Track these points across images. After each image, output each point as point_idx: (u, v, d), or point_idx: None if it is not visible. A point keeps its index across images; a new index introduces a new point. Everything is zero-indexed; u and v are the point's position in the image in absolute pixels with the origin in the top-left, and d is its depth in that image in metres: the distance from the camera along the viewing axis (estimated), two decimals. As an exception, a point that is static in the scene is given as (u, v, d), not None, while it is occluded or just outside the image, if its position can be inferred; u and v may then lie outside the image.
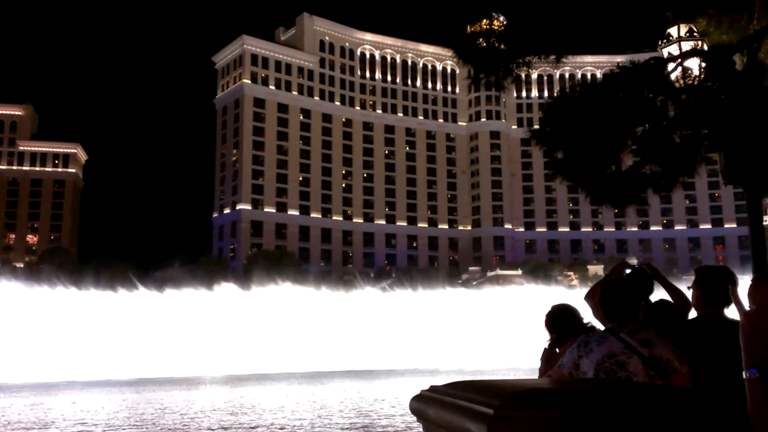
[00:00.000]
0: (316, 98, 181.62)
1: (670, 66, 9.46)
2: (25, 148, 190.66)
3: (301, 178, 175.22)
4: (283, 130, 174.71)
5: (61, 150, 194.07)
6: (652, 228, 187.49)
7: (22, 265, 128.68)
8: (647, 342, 4.29)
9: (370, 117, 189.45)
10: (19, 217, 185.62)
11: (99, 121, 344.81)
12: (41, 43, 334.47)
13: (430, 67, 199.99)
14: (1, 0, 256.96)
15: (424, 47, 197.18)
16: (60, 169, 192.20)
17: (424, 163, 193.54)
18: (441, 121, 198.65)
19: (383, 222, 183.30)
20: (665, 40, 10.00)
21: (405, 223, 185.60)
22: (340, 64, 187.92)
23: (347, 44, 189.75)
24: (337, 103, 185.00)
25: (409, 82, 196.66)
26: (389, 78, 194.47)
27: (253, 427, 22.55)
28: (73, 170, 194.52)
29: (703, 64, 9.21)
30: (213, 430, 22.06)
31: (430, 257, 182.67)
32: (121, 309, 57.81)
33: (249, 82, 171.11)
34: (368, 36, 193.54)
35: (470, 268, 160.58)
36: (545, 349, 6.13)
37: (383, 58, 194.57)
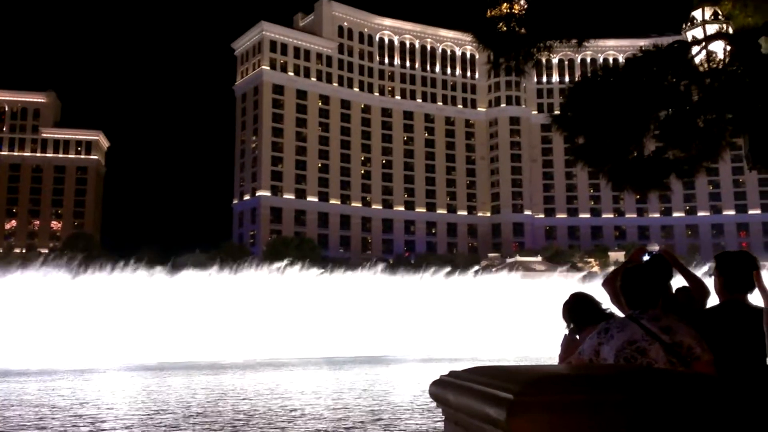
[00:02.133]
0: (335, 84, 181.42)
1: (694, 49, 9.31)
2: (49, 135, 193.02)
3: (320, 165, 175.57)
4: (302, 116, 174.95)
5: (84, 137, 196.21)
6: (675, 214, 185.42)
7: (46, 251, 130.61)
8: (668, 328, 4.26)
9: (388, 103, 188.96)
10: (43, 203, 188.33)
11: (121, 108, 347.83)
12: (64, 31, 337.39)
13: (449, 52, 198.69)
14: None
15: (444, 32, 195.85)
16: (83, 156, 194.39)
17: (443, 149, 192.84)
18: (460, 106, 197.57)
19: (402, 208, 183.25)
20: (689, 24, 9.83)
21: (424, 210, 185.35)
22: (359, 50, 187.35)
23: (366, 30, 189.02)
24: (356, 90, 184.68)
25: (428, 67, 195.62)
26: (408, 64, 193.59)
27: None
28: (95, 157, 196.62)
29: (728, 48, 9.05)
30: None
31: (449, 244, 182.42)
32: (141, 292, 58.54)
33: (268, 68, 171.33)
34: (387, 21, 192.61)
35: (489, 255, 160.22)
36: (565, 335, 6.12)
37: (402, 44, 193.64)
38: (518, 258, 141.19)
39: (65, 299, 54.37)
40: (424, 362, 45.93)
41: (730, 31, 9.42)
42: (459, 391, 3.27)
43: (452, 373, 3.54)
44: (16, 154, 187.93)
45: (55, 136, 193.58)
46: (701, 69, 9.12)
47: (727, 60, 8.95)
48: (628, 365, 4.08)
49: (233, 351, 50.64)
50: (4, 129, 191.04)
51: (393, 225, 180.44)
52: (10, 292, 54.18)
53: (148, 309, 55.03)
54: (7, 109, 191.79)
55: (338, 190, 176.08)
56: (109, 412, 22.77)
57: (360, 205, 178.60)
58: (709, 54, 9.15)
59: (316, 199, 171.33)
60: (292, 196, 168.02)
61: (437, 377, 3.61)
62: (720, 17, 9.64)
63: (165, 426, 19.74)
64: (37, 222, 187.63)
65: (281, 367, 43.61)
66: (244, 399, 26.57)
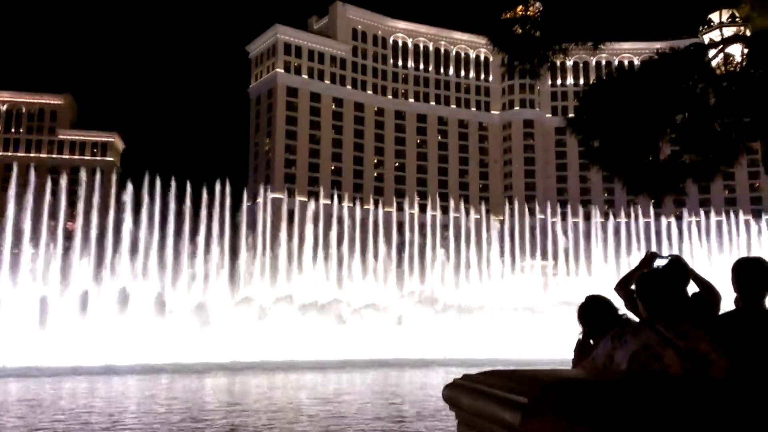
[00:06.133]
0: (349, 87, 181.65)
1: (711, 52, 9.23)
2: (65, 137, 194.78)
3: (333, 168, 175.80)
4: (316, 119, 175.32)
5: (100, 139, 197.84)
6: (688, 219, 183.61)
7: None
8: (684, 334, 4.21)
9: (402, 106, 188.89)
10: (59, 204, 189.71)
11: (136, 110, 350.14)
12: (80, 34, 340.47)
13: (463, 55, 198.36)
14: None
15: (458, 35, 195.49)
16: (98, 158, 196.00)
17: (456, 152, 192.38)
18: (474, 109, 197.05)
19: (415, 211, 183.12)
20: (706, 26, 9.75)
21: (438, 213, 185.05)
22: (373, 53, 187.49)
23: (380, 32, 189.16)
24: (370, 92, 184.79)
25: (442, 70, 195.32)
26: (422, 66, 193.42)
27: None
28: (111, 159, 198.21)
29: (746, 51, 8.96)
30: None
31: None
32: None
33: (282, 71, 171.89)
34: (401, 24, 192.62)
35: (502, 258, 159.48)
36: (578, 340, 6.07)
37: (416, 47, 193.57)
38: (531, 261, 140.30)
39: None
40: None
41: (748, 33, 9.33)
42: (473, 395, 3.26)
43: (466, 377, 3.53)
44: (32, 155, 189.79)
45: (72, 137, 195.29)
46: (718, 72, 9.03)
47: (744, 63, 8.87)
48: (642, 371, 4.05)
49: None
50: (21, 130, 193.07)
51: (405, 227, 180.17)
52: None
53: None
54: (24, 110, 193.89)
55: (351, 192, 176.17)
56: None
57: (373, 207, 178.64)
58: (727, 57, 9.07)
59: (329, 202, 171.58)
60: (305, 199, 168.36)
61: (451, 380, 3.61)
62: (737, 20, 9.55)
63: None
64: (53, 223, 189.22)
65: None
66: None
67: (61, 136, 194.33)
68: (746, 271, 5.03)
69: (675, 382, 3.26)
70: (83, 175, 78.69)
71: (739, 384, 3.92)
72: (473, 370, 4.02)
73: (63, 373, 39.36)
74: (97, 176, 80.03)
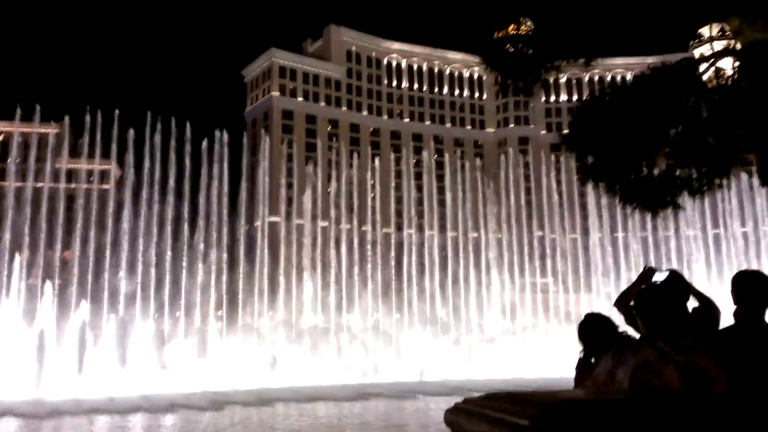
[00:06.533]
0: (344, 108, 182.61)
1: (703, 66, 9.29)
2: (62, 165, 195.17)
3: (330, 190, 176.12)
4: (312, 141, 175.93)
5: (96, 167, 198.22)
6: (688, 233, 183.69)
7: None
8: (683, 350, 4.18)
9: (398, 126, 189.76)
10: (57, 232, 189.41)
11: (133, 137, 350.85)
12: (76, 62, 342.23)
13: (457, 74, 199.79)
14: (39, 22, 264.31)
15: (451, 54, 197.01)
16: (95, 186, 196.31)
17: (452, 170, 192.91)
18: (469, 128, 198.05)
19: (413, 231, 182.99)
20: (697, 40, 9.83)
21: (434, 232, 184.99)
22: (368, 74, 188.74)
23: (374, 54, 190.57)
24: (365, 113, 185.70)
25: (437, 89, 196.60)
26: (416, 86, 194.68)
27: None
28: (107, 186, 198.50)
29: (737, 64, 9.02)
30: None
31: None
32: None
33: (278, 94, 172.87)
34: (395, 45, 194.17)
35: (500, 277, 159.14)
36: (579, 359, 6.02)
37: (410, 67, 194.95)
38: (529, 279, 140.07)
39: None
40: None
41: (738, 47, 9.39)
42: (474, 418, 3.22)
43: (467, 400, 3.49)
44: (29, 185, 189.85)
45: (69, 165, 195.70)
46: (710, 85, 9.08)
47: (736, 76, 8.91)
48: (642, 388, 4.01)
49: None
50: (18, 159, 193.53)
51: (403, 248, 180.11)
52: None
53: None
54: (21, 140, 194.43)
55: (349, 214, 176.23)
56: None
57: (370, 228, 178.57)
58: (718, 70, 9.12)
59: (326, 224, 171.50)
60: (302, 221, 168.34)
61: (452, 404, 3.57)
62: (727, 33, 9.62)
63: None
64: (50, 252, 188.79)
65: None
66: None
67: (58, 165, 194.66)
68: (746, 284, 5.01)
69: (675, 399, 3.22)
70: (80, 202, 78.52)
71: (739, 399, 3.88)
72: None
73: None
74: (94, 204, 79.89)
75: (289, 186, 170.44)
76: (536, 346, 59.65)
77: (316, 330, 63.73)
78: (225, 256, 75.32)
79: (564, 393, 3.38)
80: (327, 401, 40.17)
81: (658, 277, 5.92)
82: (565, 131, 10.09)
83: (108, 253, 69.20)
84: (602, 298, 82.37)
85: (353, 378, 51.81)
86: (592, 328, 5.93)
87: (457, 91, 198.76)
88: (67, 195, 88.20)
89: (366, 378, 52.49)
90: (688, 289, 5.89)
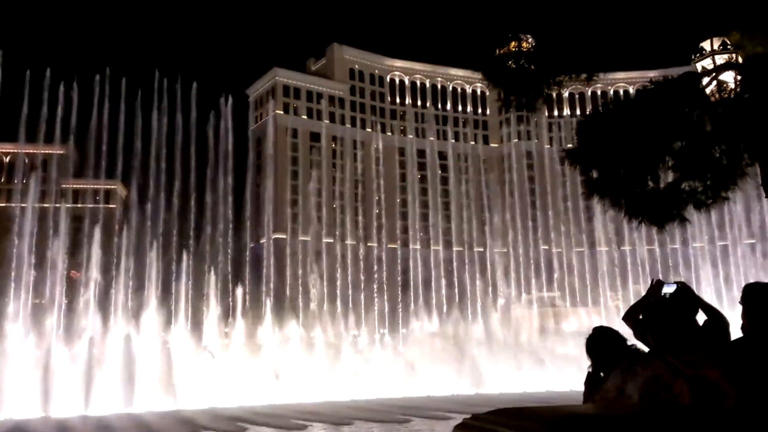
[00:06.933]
0: (348, 125, 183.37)
1: (705, 80, 9.32)
2: (68, 186, 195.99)
3: (335, 206, 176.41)
4: (316, 158, 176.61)
5: (102, 186, 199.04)
6: (695, 244, 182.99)
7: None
8: (693, 363, 4.16)
9: (401, 142, 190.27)
10: (62, 252, 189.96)
11: (138, 156, 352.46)
12: (81, 83, 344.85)
13: (459, 90, 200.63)
14: (43, 43, 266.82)
15: (454, 71, 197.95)
16: (101, 206, 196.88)
17: (457, 185, 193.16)
18: (473, 143, 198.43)
19: (418, 246, 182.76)
20: (699, 54, 9.87)
21: (440, 247, 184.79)
22: (371, 91, 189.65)
23: (377, 71, 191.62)
24: (369, 130, 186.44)
25: (440, 105, 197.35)
26: (419, 103, 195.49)
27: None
28: (113, 206, 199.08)
29: (739, 77, 9.05)
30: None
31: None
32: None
33: (281, 112, 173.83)
34: (397, 62, 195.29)
35: (503, 290, 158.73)
36: (588, 373, 5.98)
37: (413, 84, 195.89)
38: (535, 293, 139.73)
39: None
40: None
41: (740, 60, 9.42)
42: (482, 435, 3.21)
43: (475, 416, 3.48)
44: (36, 205, 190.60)
45: (74, 186, 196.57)
46: (713, 99, 9.10)
47: (738, 89, 8.93)
48: (652, 403, 3.99)
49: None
50: (24, 181, 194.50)
51: (409, 263, 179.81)
52: None
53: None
54: (27, 161, 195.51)
55: (354, 230, 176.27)
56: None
57: (376, 244, 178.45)
58: (720, 84, 9.14)
59: (331, 240, 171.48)
60: (308, 238, 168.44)
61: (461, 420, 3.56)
62: (729, 47, 9.66)
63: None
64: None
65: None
66: None
67: (64, 185, 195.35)
68: (755, 296, 4.99)
69: (685, 413, 3.22)
70: (87, 223, 79.03)
71: (749, 413, 3.86)
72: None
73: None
74: (100, 224, 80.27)
75: (294, 203, 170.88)
76: (543, 360, 59.24)
77: (324, 345, 63.48)
78: (230, 269, 75.34)
79: (572, 408, 3.37)
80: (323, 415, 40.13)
81: (667, 289, 5.89)
82: (570, 146, 10.11)
83: (114, 271, 69.30)
84: (611, 312, 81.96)
85: (362, 393, 51.52)
86: (601, 342, 5.89)
87: (460, 107, 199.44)
88: (73, 215, 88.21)
89: (373, 393, 52.13)
90: (697, 303, 5.86)
